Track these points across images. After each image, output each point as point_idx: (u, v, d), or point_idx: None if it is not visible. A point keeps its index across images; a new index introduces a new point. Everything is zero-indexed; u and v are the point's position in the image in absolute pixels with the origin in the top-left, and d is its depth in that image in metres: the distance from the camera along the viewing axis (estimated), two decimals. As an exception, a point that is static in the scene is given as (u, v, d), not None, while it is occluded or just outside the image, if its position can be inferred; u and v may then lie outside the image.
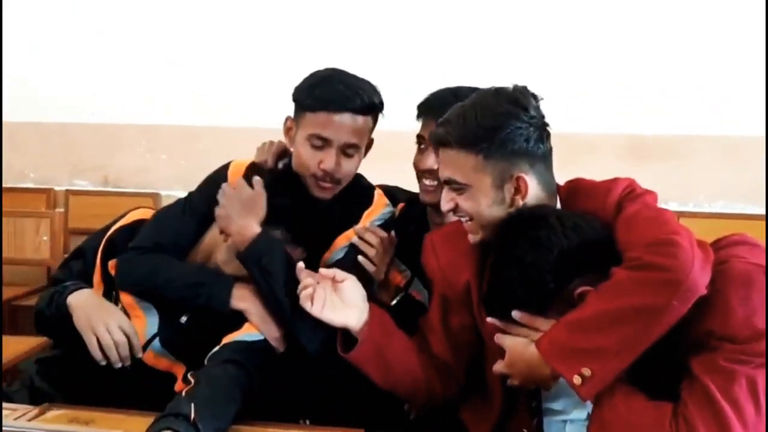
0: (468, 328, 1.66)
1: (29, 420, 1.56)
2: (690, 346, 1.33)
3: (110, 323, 1.74)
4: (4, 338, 2.28)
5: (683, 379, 1.34)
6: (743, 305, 1.31)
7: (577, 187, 1.64)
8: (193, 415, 1.44)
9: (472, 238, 1.59)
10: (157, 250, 1.85)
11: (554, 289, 1.39)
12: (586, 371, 1.32)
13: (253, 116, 3.47)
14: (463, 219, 1.59)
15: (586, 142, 3.57)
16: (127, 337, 1.75)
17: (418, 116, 1.92)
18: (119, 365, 1.74)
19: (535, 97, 1.55)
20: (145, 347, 1.80)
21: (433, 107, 1.87)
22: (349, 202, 1.93)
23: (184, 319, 1.83)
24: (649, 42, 3.50)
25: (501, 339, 1.47)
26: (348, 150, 1.85)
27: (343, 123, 1.82)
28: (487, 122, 1.50)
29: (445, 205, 1.58)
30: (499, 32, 3.61)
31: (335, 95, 1.81)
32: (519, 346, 1.43)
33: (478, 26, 3.61)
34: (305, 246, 1.86)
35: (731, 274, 1.34)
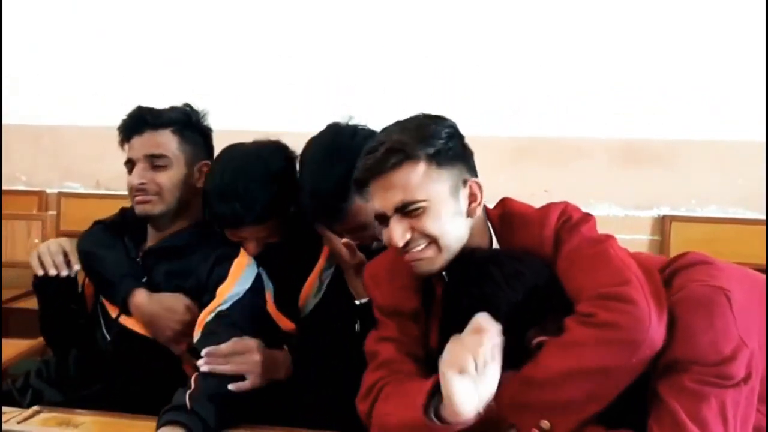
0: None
1: (19, 422, 1.56)
2: (657, 372, 1.31)
3: (48, 241, 1.94)
4: (-4, 341, 2.28)
5: (648, 404, 1.32)
6: (707, 331, 1.29)
7: (509, 214, 1.58)
8: (189, 404, 1.53)
9: (428, 265, 1.49)
10: (114, 228, 2.02)
11: (511, 345, 1.34)
12: (545, 424, 1.30)
13: (250, 118, 3.47)
14: (419, 247, 1.48)
15: (577, 146, 3.57)
16: (65, 254, 1.90)
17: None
18: (54, 272, 1.87)
19: None
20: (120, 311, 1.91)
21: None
22: (305, 235, 1.94)
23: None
24: (640, 47, 3.50)
25: None
26: (261, 238, 1.89)
27: (248, 232, 1.87)
28: (427, 131, 1.47)
29: (402, 237, 1.46)
30: (498, 33, 3.60)
31: (228, 217, 1.83)
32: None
33: (477, 27, 3.61)
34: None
35: (692, 300, 1.32)
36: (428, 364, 1.52)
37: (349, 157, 1.64)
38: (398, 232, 1.46)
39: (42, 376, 1.98)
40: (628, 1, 3.50)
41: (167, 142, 1.94)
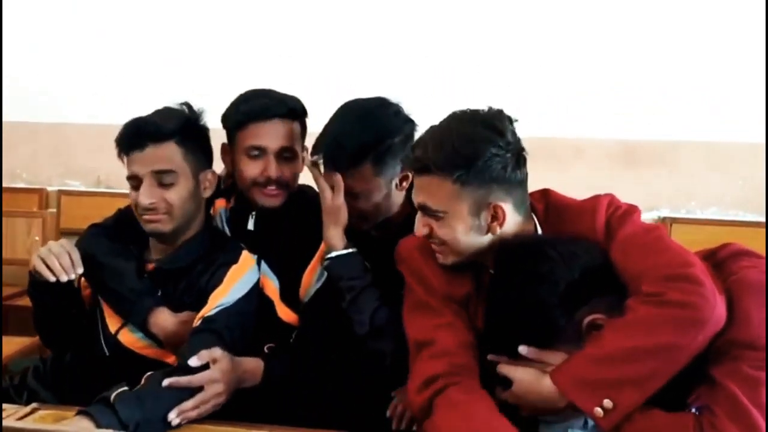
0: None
1: (17, 419, 1.56)
2: (710, 356, 1.34)
3: (49, 243, 1.82)
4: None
5: (694, 388, 1.35)
6: (761, 311, 1.33)
7: (555, 206, 1.61)
8: (112, 397, 1.50)
9: (441, 259, 1.58)
10: (116, 234, 1.96)
11: (564, 323, 1.38)
12: (608, 403, 1.31)
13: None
14: (434, 243, 1.56)
15: (577, 147, 3.57)
16: (69, 254, 1.79)
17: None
18: (65, 278, 1.77)
19: (510, 120, 1.54)
20: (120, 327, 1.88)
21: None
22: (306, 223, 1.95)
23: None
24: (640, 47, 3.51)
25: (508, 370, 1.44)
26: (285, 154, 1.93)
27: (274, 129, 1.91)
28: (465, 149, 1.47)
29: (420, 230, 1.56)
30: (497, 33, 3.61)
31: (260, 106, 1.91)
32: (530, 378, 1.40)
33: (477, 27, 3.61)
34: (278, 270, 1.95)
35: (746, 284, 1.36)
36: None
37: (381, 130, 1.81)
38: (417, 227, 1.57)
39: (39, 375, 1.97)
40: (628, 2, 3.50)
41: (172, 155, 1.85)
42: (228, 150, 2.01)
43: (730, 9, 3.42)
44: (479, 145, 1.48)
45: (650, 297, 1.34)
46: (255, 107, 1.92)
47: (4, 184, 4.00)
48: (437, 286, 1.62)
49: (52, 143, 4.16)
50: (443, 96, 3.50)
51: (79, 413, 1.49)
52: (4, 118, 3.86)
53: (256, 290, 1.90)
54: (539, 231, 1.59)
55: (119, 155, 1.88)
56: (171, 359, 1.84)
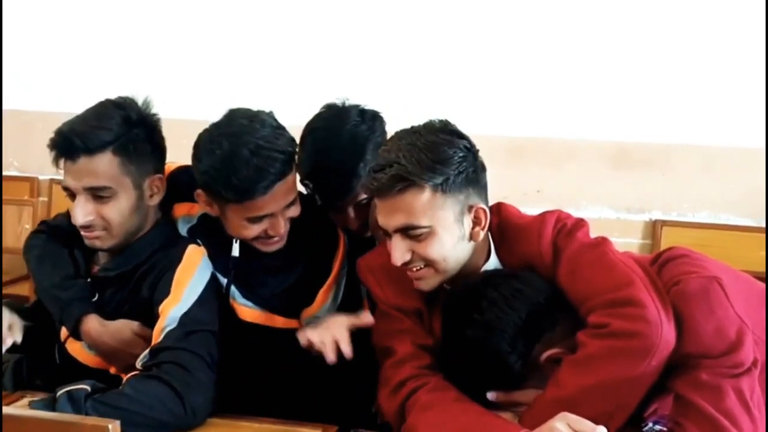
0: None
1: (6, 405, 1.56)
2: (668, 369, 1.34)
3: None
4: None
5: (651, 400, 1.36)
6: (709, 320, 1.33)
7: (506, 223, 1.59)
8: (87, 387, 1.47)
9: (425, 284, 1.53)
10: (61, 236, 1.82)
11: (521, 367, 1.39)
12: None
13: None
14: (416, 267, 1.51)
15: (570, 148, 3.58)
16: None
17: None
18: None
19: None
20: (68, 336, 1.75)
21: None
22: (313, 250, 1.87)
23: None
24: (635, 50, 3.51)
25: None
26: (288, 207, 1.75)
27: (275, 195, 1.67)
28: (438, 156, 1.43)
29: (401, 258, 1.48)
30: (492, 34, 3.60)
31: (254, 181, 1.63)
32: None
33: (473, 28, 3.61)
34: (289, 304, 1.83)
35: (689, 294, 1.36)
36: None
37: (362, 145, 1.80)
38: (398, 253, 1.48)
39: (18, 371, 1.94)
40: (623, 4, 3.50)
41: (107, 168, 1.64)
42: (208, 201, 1.76)
43: (727, 12, 3.42)
44: (449, 150, 1.45)
45: (598, 329, 1.34)
46: (252, 181, 1.62)
47: (-4, 173, 3.99)
48: (386, 302, 1.62)
49: (44, 132, 4.11)
50: (437, 96, 3.50)
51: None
52: (-3, 106, 3.85)
53: (213, 285, 1.75)
54: (492, 251, 1.58)
55: (54, 161, 1.69)
56: (114, 370, 1.75)
